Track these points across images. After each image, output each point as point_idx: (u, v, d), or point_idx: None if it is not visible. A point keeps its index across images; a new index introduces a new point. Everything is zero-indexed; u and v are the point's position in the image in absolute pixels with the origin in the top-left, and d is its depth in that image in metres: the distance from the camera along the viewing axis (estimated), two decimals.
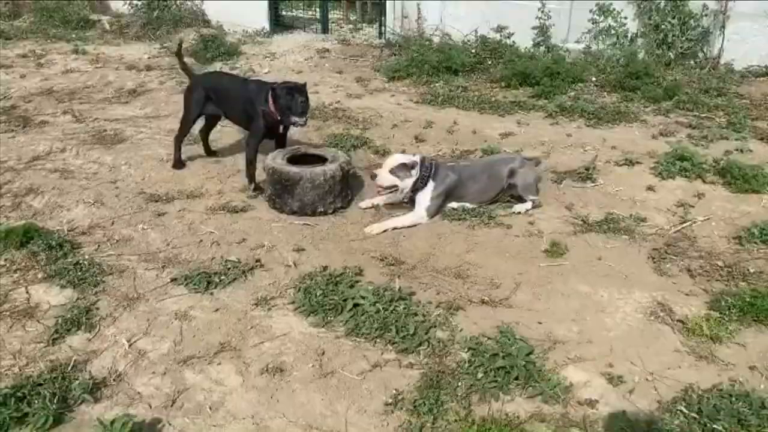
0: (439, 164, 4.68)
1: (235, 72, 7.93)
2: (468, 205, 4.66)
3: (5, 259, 3.94)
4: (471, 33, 8.16)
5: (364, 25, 10.13)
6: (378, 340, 3.28)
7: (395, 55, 8.41)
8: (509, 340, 3.26)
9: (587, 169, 5.20)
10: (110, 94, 7.20)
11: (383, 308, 3.44)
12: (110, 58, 8.67)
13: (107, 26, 10.41)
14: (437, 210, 4.57)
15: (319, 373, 3.07)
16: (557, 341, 3.32)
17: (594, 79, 7.42)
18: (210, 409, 2.85)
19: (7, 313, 3.46)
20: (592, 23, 7.85)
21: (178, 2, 10.31)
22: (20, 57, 8.73)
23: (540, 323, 3.47)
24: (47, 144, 5.71)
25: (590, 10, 7.79)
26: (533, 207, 4.68)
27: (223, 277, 3.78)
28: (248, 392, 2.96)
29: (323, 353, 3.21)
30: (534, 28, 7.94)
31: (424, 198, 4.53)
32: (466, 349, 3.20)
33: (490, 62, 7.87)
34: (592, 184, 5.08)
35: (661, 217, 4.59)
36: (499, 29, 7.98)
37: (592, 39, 7.94)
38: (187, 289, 3.70)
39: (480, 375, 3.03)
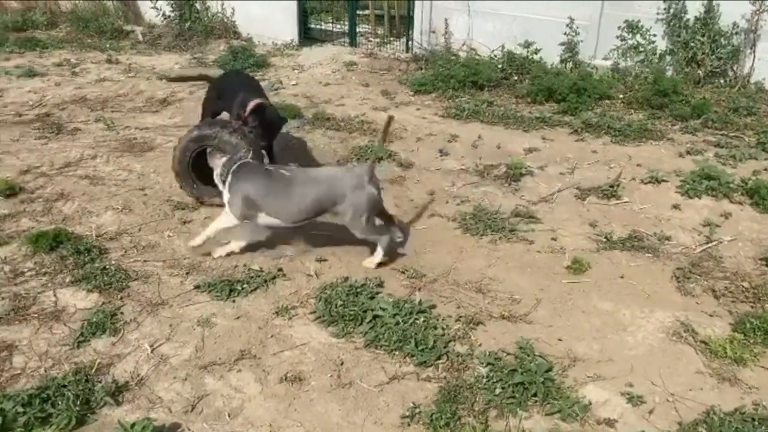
0: (251, 163, 4.11)
1: (263, 83, 8.04)
2: (277, 222, 4.06)
3: (35, 263, 4.04)
4: (498, 48, 8.17)
5: (391, 39, 10.19)
6: (397, 352, 3.29)
7: (421, 69, 8.45)
8: (528, 356, 3.25)
9: (612, 186, 5.17)
10: (141, 103, 7.35)
11: (403, 320, 3.46)
12: (142, 68, 8.85)
13: (140, 37, 10.62)
14: (242, 214, 4.00)
15: (337, 384, 3.09)
16: (577, 359, 3.30)
17: (621, 96, 7.37)
18: (229, 415, 2.89)
19: (35, 315, 3.54)
20: (621, 40, 7.81)
21: (209, 14, 10.50)
22: (56, 66, 8.95)
23: (560, 340, 3.45)
24: (79, 151, 5.84)
25: (619, 27, 7.75)
26: (384, 257, 4.03)
27: (245, 286, 3.83)
28: (267, 400, 2.99)
29: (342, 364, 3.23)
30: (561, 44, 7.92)
31: (226, 195, 4.06)
32: (484, 364, 3.20)
33: (516, 78, 7.87)
34: (617, 202, 5.04)
35: (686, 236, 4.54)
36: (527, 45, 7.98)
37: (620, 56, 7.89)
38: (210, 296, 3.75)
39: (498, 390, 3.02)
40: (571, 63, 7.97)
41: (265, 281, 3.90)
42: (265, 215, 4.03)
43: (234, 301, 3.71)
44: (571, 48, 7.96)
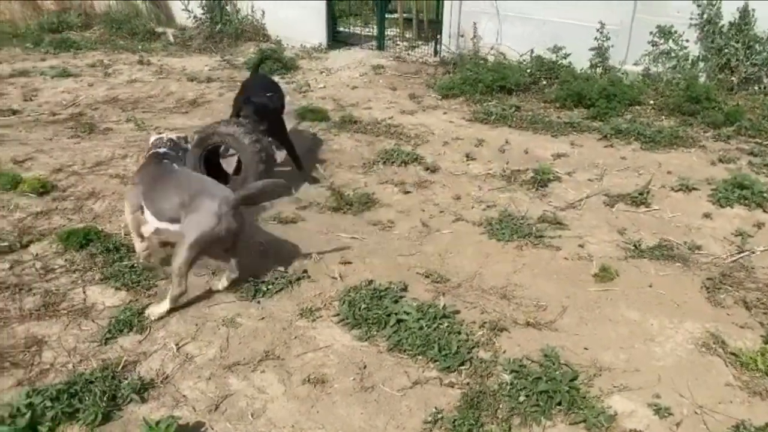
0: (158, 154, 3.89)
1: (290, 86, 8.11)
2: (153, 220, 3.73)
3: (65, 260, 4.11)
4: (527, 53, 8.13)
5: (419, 42, 10.19)
6: (420, 357, 3.28)
7: (449, 73, 8.42)
8: (553, 364, 3.22)
9: (641, 193, 5.09)
10: (171, 104, 7.45)
11: (426, 325, 3.44)
12: (173, 70, 8.98)
13: (171, 39, 10.78)
14: (132, 203, 3.81)
15: (360, 387, 3.09)
16: (603, 368, 3.26)
17: (652, 102, 7.26)
18: (252, 416, 2.91)
19: (65, 311, 3.60)
20: (652, 45, 7.70)
21: (239, 17, 10.61)
22: (89, 66, 9.12)
23: (586, 349, 3.41)
24: (110, 150, 5.94)
25: (651, 32, 7.65)
26: (170, 305, 3.53)
27: (270, 287, 3.85)
28: (290, 401, 3.00)
29: (365, 367, 3.23)
30: (592, 49, 7.83)
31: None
32: (508, 371, 3.17)
33: (544, 82, 7.81)
34: (646, 209, 4.97)
35: (717, 246, 4.45)
36: (556, 49, 7.91)
37: (652, 61, 7.78)
38: (235, 296, 3.78)
39: (522, 398, 2.99)
40: (600, 68, 7.89)
41: (290, 282, 3.92)
42: (146, 209, 3.76)
43: (259, 302, 3.74)
44: (601, 53, 7.88)
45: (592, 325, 3.61)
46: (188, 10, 10.74)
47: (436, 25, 9.64)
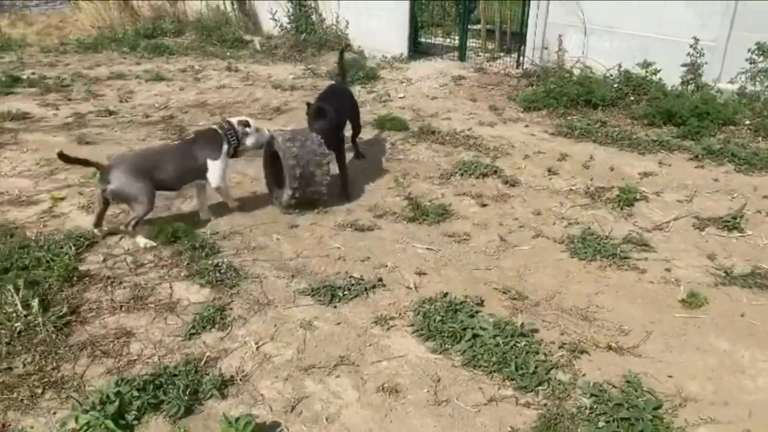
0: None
1: (371, 96, 8.20)
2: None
3: (154, 255, 4.29)
4: (614, 67, 7.90)
5: (501, 54, 10.10)
6: (496, 374, 3.23)
7: (532, 85, 8.30)
8: (636, 390, 3.09)
9: (734, 217, 4.84)
10: (257, 111, 7.67)
11: (503, 342, 3.38)
12: (259, 77, 9.26)
13: (258, 47, 11.12)
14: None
15: (433, 400, 3.07)
16: (689, 398, 3.11)
17: (748, 122, 6.90)
18: (326, 420, 2.93)
19: (152, 305, 3.76)
20: (750, 63, 7.32)
21: (324, 26, 10.83)
22: (180, 71, 9.54)
23: (670, 377, 3.26)
24: None
25: (749, 49, 7.27)
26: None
27: (346, 292, 3.89)
28: (363, 408, 3.01)
29: (439, 380, 3.20)
30: (684, 65, 7.52)
31: None
32: (588, 395, 3.07)
33: (632, 98, 7.56)
34: (739, 234, 4.72)
35: None
36: (646, 65, 7.65)
37: (749, 79, 7.39)
38: (313, 300, 3.84)
39: (601, 424, 2.89)
40: (693, 85, 7.56)
41: (365, 290, 3.94)
42: None
43: (335, 307, 3.78)
44: (693, 69, 7.55)
45: (678, 353, 3.45)
46: (275, 19, 11.07)
47: (519, 36, 9.53)
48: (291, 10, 10.99)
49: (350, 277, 4.07)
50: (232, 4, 12.26)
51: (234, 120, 4.84)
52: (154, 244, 4.41)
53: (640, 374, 3.22)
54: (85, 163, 4.37)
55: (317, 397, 3.07)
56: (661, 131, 6.84)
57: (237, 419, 2.72)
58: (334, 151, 5.33)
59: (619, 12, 7.98)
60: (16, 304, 3.47)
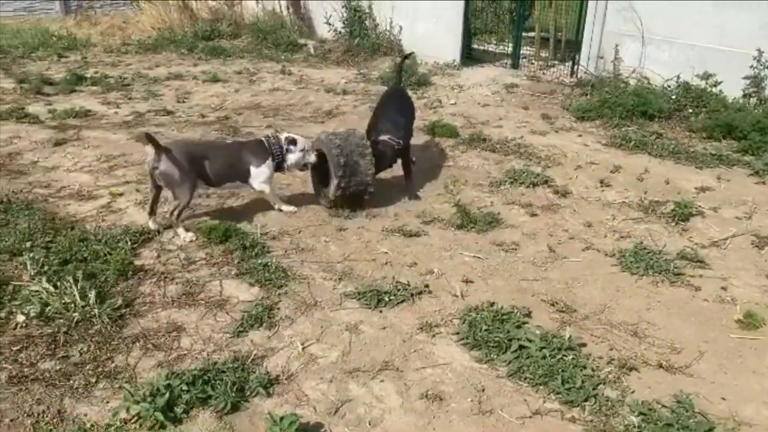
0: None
1: (422, 102, 8.20)
2: None
3: (206, 253, 4.39)
4: (672, 78, 7.70)
5: (555, 62, 9.98)
6: (541, 386, 3.18)
7: (586, 95, 8.17)
8: (687, 411, 3.00)
9: None
10: (308, 114, 7.78)
11: (550, 355, 3.33)
12: (312, 80, 9.38)
13: (312, 50, 11.28)
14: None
15: (477, 409, 3.04)
16: (743, 423, 3.00)
17: None
18: (369, 423, 2.94)
19: (203, 302, 3.84)
20: None
21: (377, 32, 10.91)
22: (236, 73, 9.75)
23: (723, 399, 3.15)
24: None
25: None
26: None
27: (392, 297, 3.90)
28: (406, 414, 3.01)
29: (483, 390, 3.18)
30: (746, 77, 7.28)
31: None
32: (636, 413, 3.00)
33: (690, 110, 7.35)
34: None
35: None
36: (706, 76, 7.43)
37: None
38: (359, 303, 3.86)
39: None
40: (755, 98, 7.31)
41: (412, 295, 3.94)
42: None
43: (381, 311, 3.79)
44: (756, 82, 7.30)
45: (732, 375, 3.33)
46: (329, 23, 11.21)
47: (574, 45, 9.39)
48: (345, 14, 11.11)
49: (397, 282, 4.08)
50: (288, 8, 12.47)
51: (282, 136, 4.96)
52: (194, 237, 4.54)
53: (692, 395, 3.12)
54: (155, 142, 4.51)
55: (361, 401, 3.08)
56: (720, 145, 6.64)
57: (282, 418, 2.75)
58: (402, 153, 5.43)
59: (679, 22, 7.79)
60: (74, 295, 3.59)
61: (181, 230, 4.56)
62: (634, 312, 3.85)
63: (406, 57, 6.87)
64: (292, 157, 4.92)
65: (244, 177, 4.81)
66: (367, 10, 11.03)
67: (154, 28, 12.94)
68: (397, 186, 5.59)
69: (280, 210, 5.02)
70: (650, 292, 4.06)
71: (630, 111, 7.27)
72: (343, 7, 11.12)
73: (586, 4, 8.74)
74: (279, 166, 4.91)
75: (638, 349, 3.50)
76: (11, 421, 2.80)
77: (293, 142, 4.93)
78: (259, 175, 4.80)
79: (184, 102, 8.23)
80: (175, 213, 4.53)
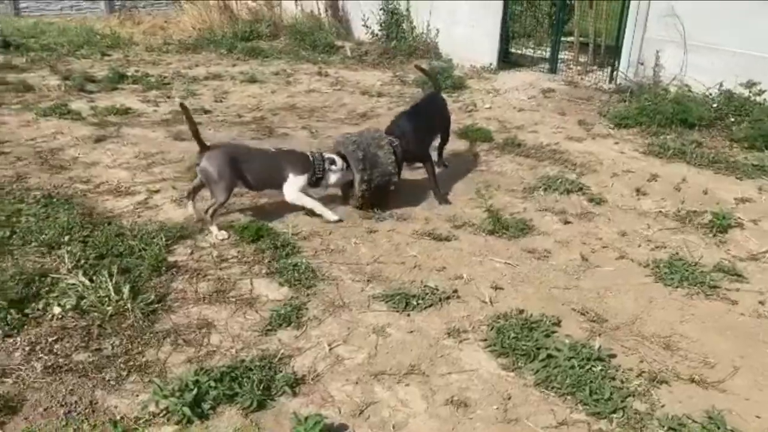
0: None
1: (457, 105, 8.17)
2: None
3: (238, 251, 4.45)
4: (714, 86, 7.53)
5: (594, 68, 9.84)
6: (569, 396, 3.14)
7: (625, 101, 8.04)
8: (718, 428, 2.93)
9: None
10: (343, 116, 7.82)
11: (579, 365, 3.28)
12: (347, 82, 9.43)
13: (349, 53, 11.34)
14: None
15: (503, 417, 3.02)
16: None
17: None
18: (393, 427, 2.94)
19: (233, 299, 3.89)
20: None
21: (414, 34, 10.92)
22: (273, 74, 9.86)
23: (758, 417, 3.06)
24: None
25: None
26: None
27: (420, 301, 3.89)
28: (431, 419, 3.00)
29: (509, 398, 3.15)
30: None
31: None
32: (665, 428, 2.94)
33: (732, 119, 7.17)
34: None
35: None
36: (749, 84, 7.25)
37: None
38: (387, 306, 3.86)
39: None
40: None
41: (440, 300, 3.93)
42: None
43: (408, 315, 3.79)
44: None
45: None
46: (367, 26, 11.26)
47: (613, 50, 9.25)
48: (382, 17, 11.15)
49: (425, 286, 4.07)
50: (326, 10, 12.57)
51: (326, 155, 5.02)
52: (227, 235, 4.61)
53: (724, 411, 3.04)
54: (196, 135, 4.66)
55: (385, 404, 3.09)
56: (762, 155, 6.46)
57: (307, 418, 2.77)
58: (422, 159, 5.44)
59: (722, 29, 7.61)
60: (109, 289, 3.68)
61: (214, 228, 4.63)
62: (667, 324, 3.78)
63: (424, 69, 6.87)
64: (333, 177, 4.99)
65: (281, 185, 4.89)
66: (404, 13, 11.05)
67: (195, 28, 13.17)
68: (429, 189, 5.57)
69: (327, 220, 4.95)
70: (684, 305, 3.97)
71: (669, 119, 7.13)
72: (380, 9, 11.16)
73: (627, 10, 8.61)
74: (317, 182, 4.96)
75: (670, 362, 3.43)
76: (45, 410, 2.87)
77: (334, 162, 4.99)
78: (292, 184, 4.85)
79: (221, 102, 8.35)
80: (210, 211, 4.61)
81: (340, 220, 4.97)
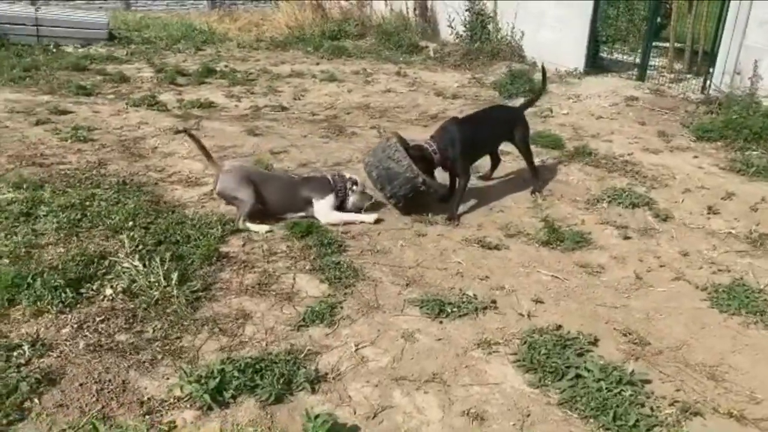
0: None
1: (533, 110, 7.97)
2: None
3: (287, 246, 4.58)
4: None
5: (688, 76, 9.31)
6: (591, 419, 3.03)
7: (712, 113, 7.57)
8: None
9: None
10: (414, 117, 7.84)
11: (607, 388, 3.16)
12: (424, 83, 9.44)
13: (431, 53, 11.34)
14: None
15: None
16: None
17: None
18: None
19: (274, 293, 4.01)
20: None
21: (498, 36, 10.75)
22: (353, 73, 10.02)
23: None
24: (350, 153, 6.46)
25: None
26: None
27: (455, 309, 3.86)
28: (444, 429, 2.99)
29: (529, 415, 3.08)
30: None
31: None
32: None
33: None
34: None
35: None
36: None
37: None
38: (420, 311, 3.86)
39: None
40: None
41: (476, 309, 3.88)
42: None
43: (441, 322, 3.77)
44: None
45: None
46: (452, 27, 11.21)
47: (708, 57, 8.72)
48: (468, 18, 11.06)
49: (464, 294, 4.03)
50: (414, 10, 12.61)
51: (347, 175, 5.11)
52: (270, 228, 4.78)
53: None
54: (205, 152, 5.00)
55: (401, 410, 3.09)
56: None
57: (317, 416, 2.83)
58: (458, 174, 5.23)
59: None
60: (159, 275, 3.90)
61: (252, 226, 4.77)
62: (716, 353, 3.56)
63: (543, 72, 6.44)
64: (353, 198, 5.07)
65: (304, 209, 4.98)
66: (491, 14, 10.91)
67: (287, 25, 13.59)
68: (485, 195, 5.51)
69: (363, 222, 4.99)
70: (738, 333, 3.72)
71: (757, 134, 6.66)
72: (466, 10, 11.07)
73: (725, 13, 8.09)
74: (341, 204, 5.03)
75: (711, 394, 3.23)
76: (80, 385, 3.09)
77: (355, 183, 5.08)
78: (321, 209, 4.94)
79: (299, 99, 8.58)
80: (238, 222, 4.78)
81: (381, 220, 5.02)
